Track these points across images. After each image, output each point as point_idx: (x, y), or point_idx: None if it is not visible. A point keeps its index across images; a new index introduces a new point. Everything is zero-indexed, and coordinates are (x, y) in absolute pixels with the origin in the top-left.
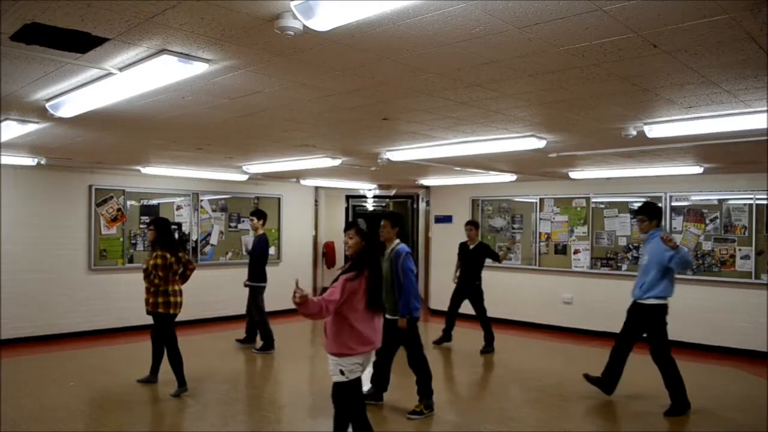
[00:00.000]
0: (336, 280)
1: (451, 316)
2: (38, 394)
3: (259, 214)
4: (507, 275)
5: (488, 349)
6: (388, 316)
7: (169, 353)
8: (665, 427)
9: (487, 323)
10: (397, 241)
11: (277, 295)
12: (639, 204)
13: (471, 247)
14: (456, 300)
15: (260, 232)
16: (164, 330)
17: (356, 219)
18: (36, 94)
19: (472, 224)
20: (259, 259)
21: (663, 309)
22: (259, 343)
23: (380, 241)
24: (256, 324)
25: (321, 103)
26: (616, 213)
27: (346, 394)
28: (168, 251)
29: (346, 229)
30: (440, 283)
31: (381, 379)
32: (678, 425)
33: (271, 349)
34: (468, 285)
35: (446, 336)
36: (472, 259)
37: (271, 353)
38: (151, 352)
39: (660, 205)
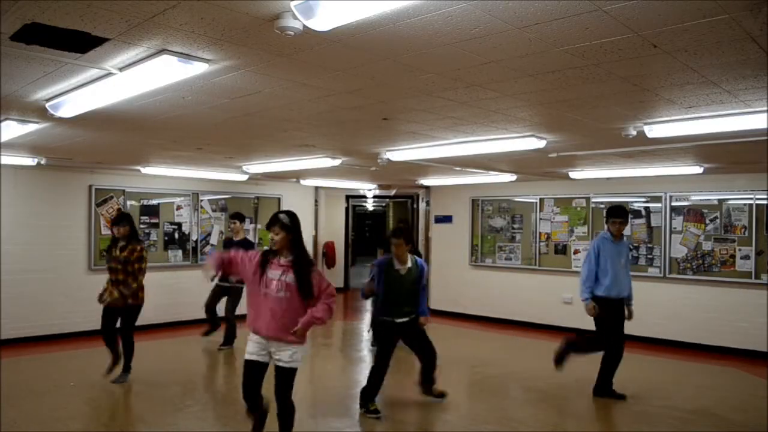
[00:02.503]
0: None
1: None
2: (38, 394)
3: (241, 217)
4: (507, 275)
5: None
6: (397, 320)
7: (129, 340)
8: (666, 427)
9: None
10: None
11: None
12: (639, 204)
13: None
14: None
15: (241, 235)
16: (134, 320)
17: (277, 215)
18: (36, 94)
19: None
20: None
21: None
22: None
23: (393, 256)
24: (227, 321)
25: (321, 103)
26: None
27: (293, 379)
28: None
29: (269, 226)
30: (440, 284)
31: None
32: (679, 425)
33: (231, 345)
34: None
35: None
36: None
37: (232, 348)
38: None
39: (660, 205)
